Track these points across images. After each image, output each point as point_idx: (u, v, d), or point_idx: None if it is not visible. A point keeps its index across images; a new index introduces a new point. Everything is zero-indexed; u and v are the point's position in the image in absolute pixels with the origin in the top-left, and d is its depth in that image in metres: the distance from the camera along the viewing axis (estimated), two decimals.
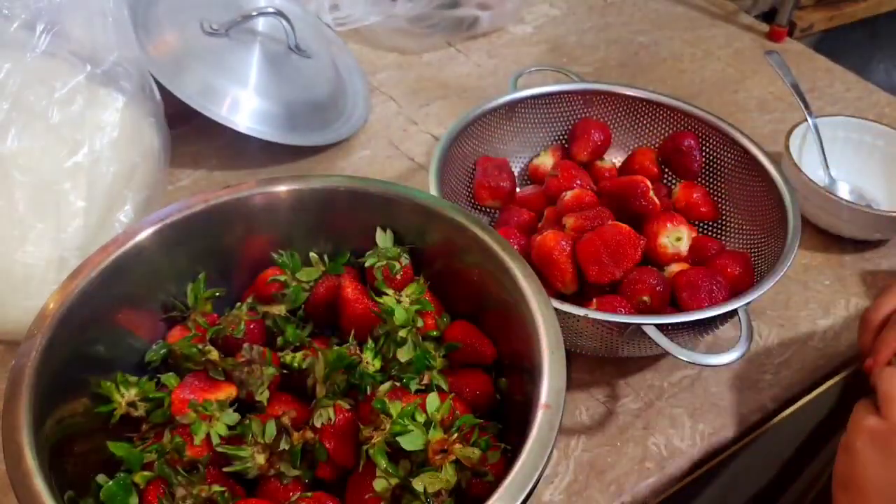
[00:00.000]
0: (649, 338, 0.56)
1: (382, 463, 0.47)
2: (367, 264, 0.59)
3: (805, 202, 0.81)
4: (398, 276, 0.59)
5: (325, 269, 0.62)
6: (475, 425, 0.49)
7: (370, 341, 0.56)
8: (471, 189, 0.78)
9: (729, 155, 0.77)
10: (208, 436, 0.51)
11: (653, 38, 1.17)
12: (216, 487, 0.49)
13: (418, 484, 0.46)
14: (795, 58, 1.14)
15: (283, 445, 0.50)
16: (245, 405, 0.55)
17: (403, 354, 0.55)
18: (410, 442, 0.47)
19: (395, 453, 0.49)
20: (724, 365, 0.56)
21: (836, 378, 0.74)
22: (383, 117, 0.98)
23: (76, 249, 0.63)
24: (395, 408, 0.49)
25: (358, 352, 0.54)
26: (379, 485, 0.47)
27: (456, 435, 0.48)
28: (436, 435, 0.48)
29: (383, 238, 0.61)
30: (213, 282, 0.60)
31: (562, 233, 0.67)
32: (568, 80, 0.85)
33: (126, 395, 0.53)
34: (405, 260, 0.60)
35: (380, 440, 0.48)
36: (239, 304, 0.60)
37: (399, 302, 0.57)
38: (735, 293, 0.63)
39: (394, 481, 0.48)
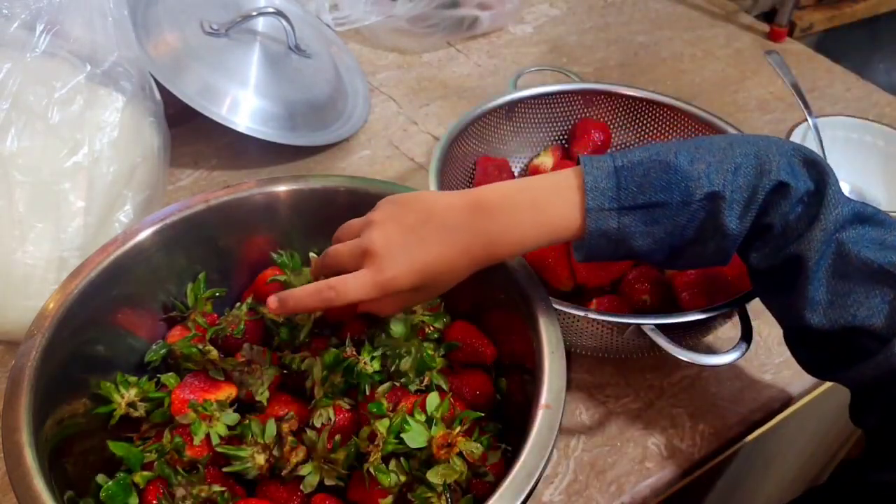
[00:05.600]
0: (649, 338, 0.56)
1: (384, 480, 0.47)
2: None
3: None
4: None
5: None
6: (476, 419, 0.49)
7: (367, 343, 0.56)
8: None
9: None
10: (208, 436, 0.51)
11: (653, 38, 1.17)
12: (216, 487, 0.49)
13: (434, 476, 0.46)
14: (795, 58, 1.14)
15: (276, 453, 0.50)
16: (245, 405, 0.55)
17: (405, 364, 0.55)
18: (414, 438, 0.48)
19: (398, 455, 0.49)
20: (724, 365, 0.56)
21: None
22: (383, 117, 0.98)
23: (76, 249, 0.63)
24: (392, 419, 0.49)
25: (355, 353, 0.54)
26: (384, 481, 0.47)
27: (459, 428, 0.48)
28: (438, 431, 0.48)
29: None
30: (213, 282, 0.60)
31: None
32: (568, 80, 0.85)
33: (126, 396, 0.53)
34: None
35: (377, 456, 0.48)
36: (239, 304, 0.60)
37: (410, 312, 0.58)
38: (735, 293, 0.63)
39: (403, 478, 0.48)
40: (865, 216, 0.49)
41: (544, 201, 0.50)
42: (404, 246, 0.50)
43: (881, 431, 0.49)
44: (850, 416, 0.52)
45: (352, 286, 0.50)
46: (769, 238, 0.50)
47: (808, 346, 0.53)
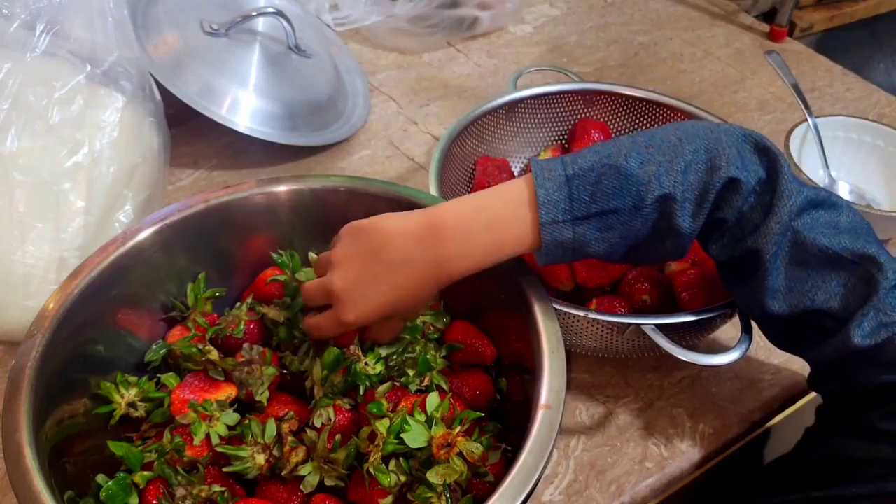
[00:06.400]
0: (649, 338, 0.56)
1: (384, 480, 0.47)
2: None
3: None
4: None
5: None
6: (476, 419, 0.49)
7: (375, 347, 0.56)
8: (471, 189, 0.78)
9: None
10: (208, 436, 0.51)
11: (653, 38, 1.17)
12: (216, 487, 0.49)
13: (434, 476, 0.46)
14: (795, 58, 1.14)
15: (276, 453, 0.50)
16: (245, 405, 0.55)
17: (408, 364, 0.55)
18: (414, 439, 0.47)
19: (398, 455, 0.49)
20: (724, 365, 0.56)
21: None
22: (383, 117, 0.98)
23: (76, 249, 0.63)
24: (392, 419, 0.49)
25: (358, 353, 0.54)
26: (384, 481, 0.47)
27: (459, 428, 0.48)
28: (438, 431, 0.48)
29: None
30: (213, 282, 0.60)
31: None
32: (568, 80, 0.85)
33: (126, 396, 0.53)
34: None
35: (377, 456, 0.48)
36: (239, 304, 0.60)
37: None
38: None
39: (403, 478, 0.48)
40: (818, 201, 0.50)
41: (499, 220, 0.50)
42: (361, 286, 0.51)
43: (838, 399, 0.52)
44: (808, 383, 0.54)
45: (325, 327, 0.54)
46: (725, 230, 0.51)
47: (771, 326, 0.55)
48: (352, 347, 0.55)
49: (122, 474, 0.50)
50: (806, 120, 0.86)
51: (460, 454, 0.47)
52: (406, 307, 0.53)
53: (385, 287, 0.51)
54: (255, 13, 0.88)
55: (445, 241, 0.50)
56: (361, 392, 0.54)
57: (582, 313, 0.58)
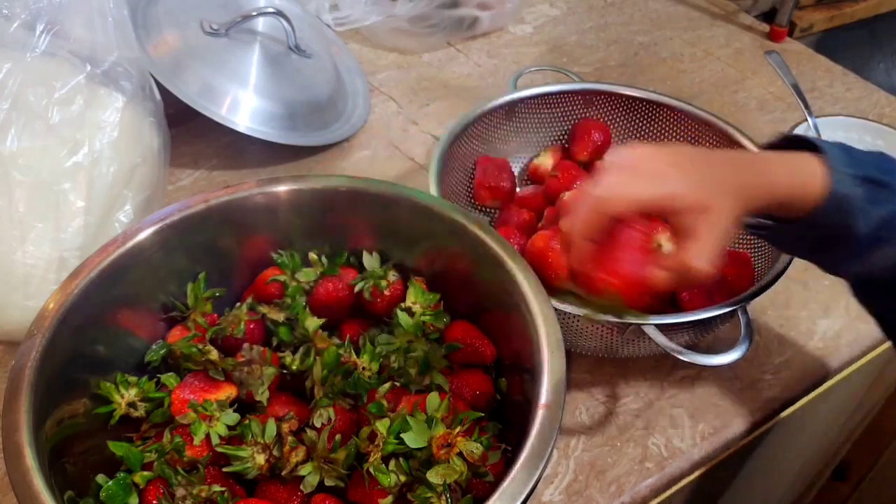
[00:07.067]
0: (649, 338, 0.56)
1: (384, 480, 0.47)
2: (356, 289, 0.60)
3: None
4: (387, 293, 0.59)
5: (323, 269, 0.62)
6: (476, 419, 0.49)
7: (367, 344, 0.56)
8: (471, 189, 0.78)
9: None
10: (208, 436, 0.51)
11: (653, 38, 1.17)
12: (216, 487, 0.49)
13: (434, 476, 0.46)
14: (795, 58, 1.14)
15: (276, 453, 0.50)
16: (245, 405, 0.55)
17: (409, 363, 0.55)
18: (414, 439, 0.47)
19: (398, 455, 0.49)
20: (724, 365, 0.56)
21: (836, 378, 0.74)
22: (383, 117, 0.98)
23: (76, 249, 0.63)
24: (392, 419, 0.49)
25: (353, 358, 0.54)
26: (384, 481, 0.47)
27: (459, 428, 0.48)
28: (438, 431, 0.48)
29: (370, 260, 0.62)
30: (213, 282, 0.60)
31: (551, 232, 0.67)
32: (568, 80, 0.85)
33: (126, 396, 0.53)
34: (393, 276, 0.60)
35: (377, 456, 0.48)
36: (239, 304, 0.60)
37: (411, 313, 0.58)
38: (735, 293, 0.63)
39: (403, 478, 0.48)
40: None
41: (787, 158, 0.50)
42: (686, 158, 0.47)
43: None
44: None
45: (636, 187, 0.44)
46: None
47: None
48: (345, 353, 0.55)
49: (122, 474, 0.50)
50: (806, 120, 0.86)
51: (460, 454, 0.47)
52: (726, 203, 0.45)
53: (702, 166, 0.46)
54: (255, 13, 0.88)
55: (743, 159, 0.51)
56: (365, 400, 0.54)
57: (582, 313, 0.58)
